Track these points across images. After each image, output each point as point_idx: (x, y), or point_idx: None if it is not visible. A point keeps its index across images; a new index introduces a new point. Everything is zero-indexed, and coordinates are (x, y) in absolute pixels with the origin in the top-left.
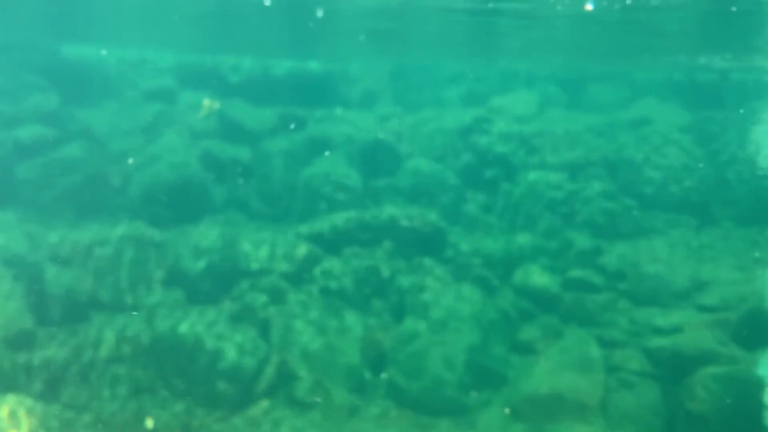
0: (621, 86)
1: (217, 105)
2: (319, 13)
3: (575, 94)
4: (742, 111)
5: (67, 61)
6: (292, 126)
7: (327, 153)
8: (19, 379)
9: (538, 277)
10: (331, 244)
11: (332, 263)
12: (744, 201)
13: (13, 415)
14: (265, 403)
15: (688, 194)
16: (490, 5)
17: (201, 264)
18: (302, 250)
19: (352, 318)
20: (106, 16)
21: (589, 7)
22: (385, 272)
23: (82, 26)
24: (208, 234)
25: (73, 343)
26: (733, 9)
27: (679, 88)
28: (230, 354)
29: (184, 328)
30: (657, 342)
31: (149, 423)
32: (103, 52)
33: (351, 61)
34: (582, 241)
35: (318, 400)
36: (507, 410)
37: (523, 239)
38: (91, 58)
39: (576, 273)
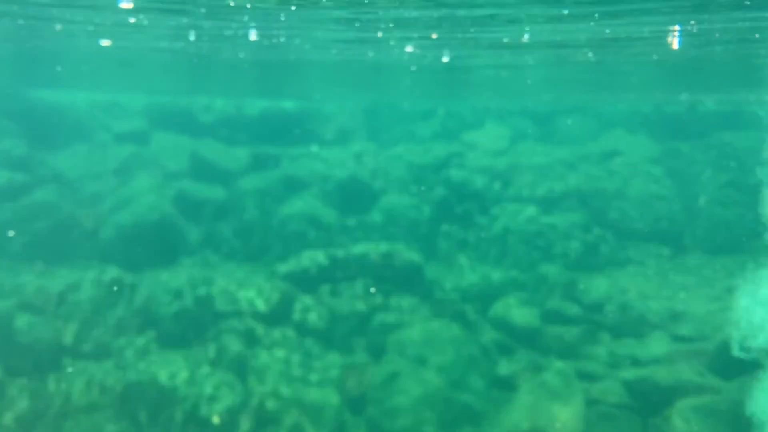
0: (590, 119)
1: None
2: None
3: (546, 127)
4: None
5: (37, 106)
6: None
7: (302, 191)
8: None
9: (515, 310)
10: (307, 282)
11: (308, 302)
12: (714, 230)
13: None
14: None
15: (659, 224)
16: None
17: (174, 307)
18: (278, 290)
19: (330, 358)
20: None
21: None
22: (363, 310)
23: (52, 71)
24: (181, 276)
25: (44, 393)
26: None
27: (647, 120)
28: (206, 399)
29: (157, 373)
30: (635, 373)
31: None
32: (75, 96)
33: (325, 100)
34: (558, 273)
35: None
36: None
37: (499, 273)
38: (61, 102)
39: (553, 306)
